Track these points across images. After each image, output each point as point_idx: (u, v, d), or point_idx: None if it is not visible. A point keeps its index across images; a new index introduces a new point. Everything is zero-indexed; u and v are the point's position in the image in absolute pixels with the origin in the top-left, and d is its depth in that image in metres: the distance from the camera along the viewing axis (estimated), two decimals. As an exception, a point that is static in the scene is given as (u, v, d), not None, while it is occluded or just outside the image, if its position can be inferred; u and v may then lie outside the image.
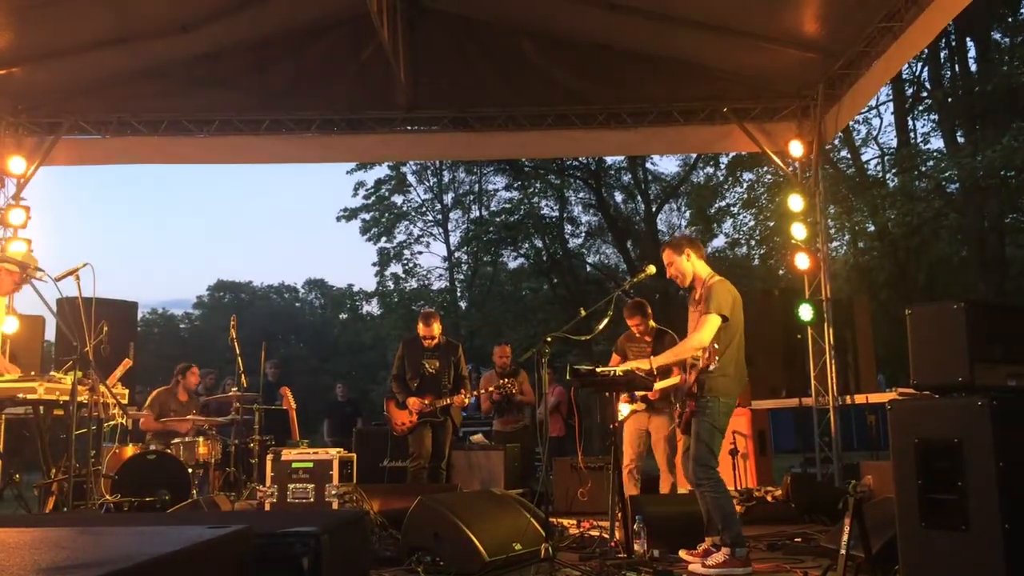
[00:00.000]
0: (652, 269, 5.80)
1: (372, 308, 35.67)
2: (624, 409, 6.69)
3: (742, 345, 5.11)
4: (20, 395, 5.60)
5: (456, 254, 30.39)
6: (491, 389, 8.35)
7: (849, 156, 22.36)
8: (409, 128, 9.89)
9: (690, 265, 5.24)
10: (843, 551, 4.15)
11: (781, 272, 21.96)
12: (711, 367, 4.82)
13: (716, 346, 4.82)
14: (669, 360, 5.23)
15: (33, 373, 5.94)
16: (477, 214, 30.05)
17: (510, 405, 9.08)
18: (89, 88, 8.99)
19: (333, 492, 6.26)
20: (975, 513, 3.57)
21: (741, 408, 7.89)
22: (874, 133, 22.67)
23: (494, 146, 10.44)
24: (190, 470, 6.96)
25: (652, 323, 7.00)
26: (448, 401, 7.43)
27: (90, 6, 7.66)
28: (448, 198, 30.18)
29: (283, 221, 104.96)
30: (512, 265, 30.79)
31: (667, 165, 32.16)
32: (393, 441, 8.08)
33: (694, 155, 24.66)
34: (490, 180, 29.19)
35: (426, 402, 7.39)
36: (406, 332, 29.40)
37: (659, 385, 5.76)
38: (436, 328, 7.57)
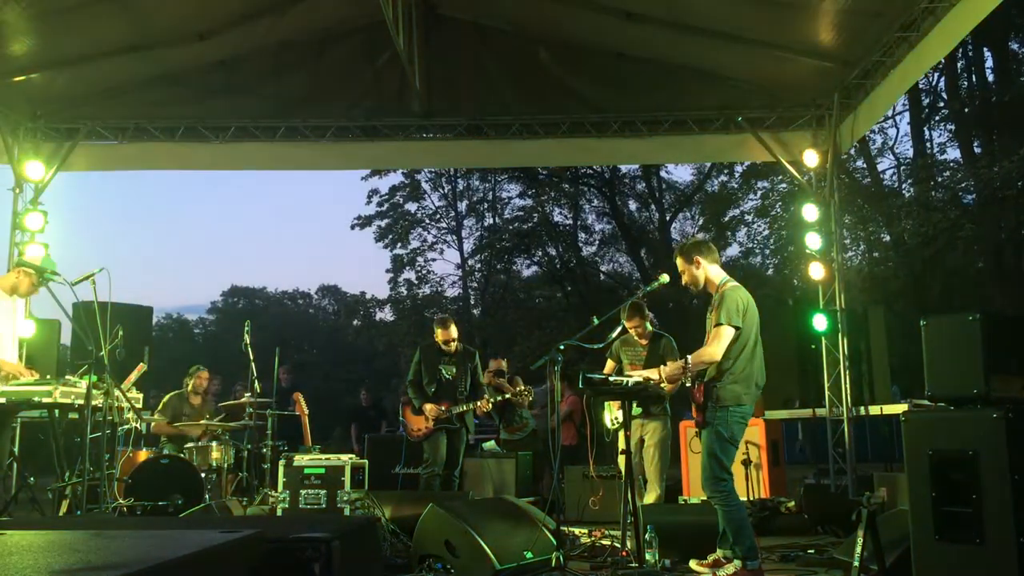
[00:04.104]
0: (665, 278, 5.78)
1: (385, 314, 35.74)
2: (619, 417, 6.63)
3: (758, 352, 5.05)
4: (36, 398, 5.65)
5: (470, 261, 30.43)
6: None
7: (865, 166, 22.28)
8: (424, 135, 9.93)
9: (701, 272, 5.21)
10: (856, 563, 4.12)
11: (795, 282, 21.88)
12: (687, 382, 4.84)
13: (690, 360, 4.86)
14: (680, 370, 5.21)
15: (49, 377, 5.98)
16: (491, 221, 30.11)
17: (513, 413, 9.09)
18: (107, 94, 9.06)
19: (345, 498, 6.27)
20: (990, 526, 3.54)
21: (754, 419, 7.85)
22: (890, 143, 22.60)
23: (509, 154, 10.46)
24: (203, 475, 6.98)
25: (650, 326, 6.98)
26: (465, 408, 7.37)
27: (109, 14, 7.72)
28: (462, 205, 30.27)
29: (297, 227, 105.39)
30: (526, 273, 30.84)
31: (681, 174, 32.15)
32: (409, 448, 8.06)
33: (708, 164, 24.63)
34: (504, 187, 29.28)
35: (443, 408, 7.33)
36: (419, 338, 29.57)
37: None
38: (453, 331, 7.48)
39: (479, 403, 7.47)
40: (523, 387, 8.30)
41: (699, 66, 8.86)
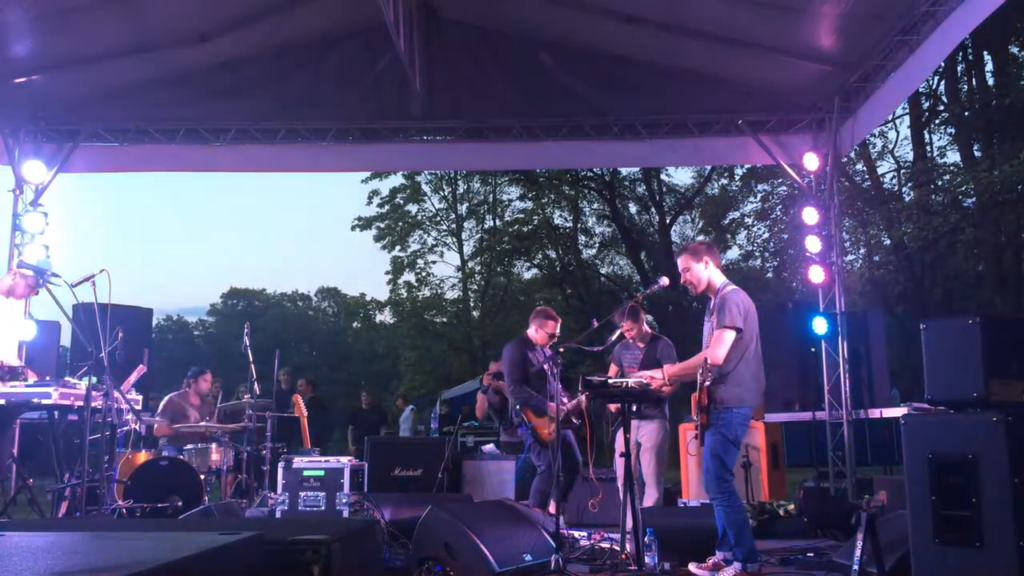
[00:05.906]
0: (666, 281, 5.77)
1: (385, 317, 35.77)
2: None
3: (758, 355, 5.07)
4: (35, 400, 5.65)
5: (470, 264, 30.43)
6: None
7: (865, 169, 22.29)
8: (424, 138, 9.93)
9: (707, 272, 5.19)
10: (856, 567, 4.12)
11: (795, 285, 21.88)
12: (707, 381, 4.81)
13: (708, 361, 4.83)
14: (682, 372, 5.22)
15: (48, 378, 5.98)
16: (491, 224, 30.12)
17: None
18: (107, 96, 9.07)
19: (344, 500, 6.27)
20: (989, 530, 3.54)
21: (754, 421, 7.85)
22: (890, 146, 22.63)
23: (509, 157, 10.46)
24: (202, 476, 6.98)
25: (647, 328, 6.94)
26: (577, 401, 6.59)
27: (109, 16, 7.74)
28: (462, 208, 30.27)
29: (297, 229, 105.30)
30: (526, 275, 30.85)
31: (681, 176, 32.20)
32: (401, 451, 8.02)
33: (709, 167, 24.64)
34: (504, 190, 29.29)
35: (564, 403, 6.42)
36: (419, 341, 29.67)
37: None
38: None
39: (581, 397, 6.52)
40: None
41: (699, 69, 8.87)
